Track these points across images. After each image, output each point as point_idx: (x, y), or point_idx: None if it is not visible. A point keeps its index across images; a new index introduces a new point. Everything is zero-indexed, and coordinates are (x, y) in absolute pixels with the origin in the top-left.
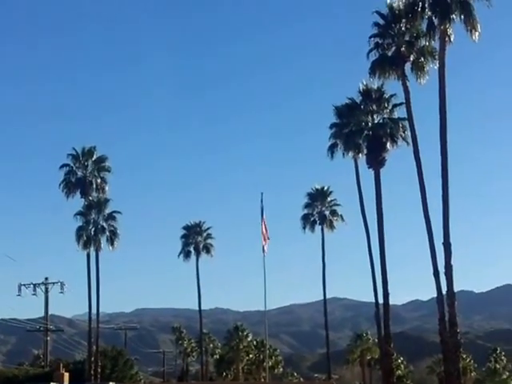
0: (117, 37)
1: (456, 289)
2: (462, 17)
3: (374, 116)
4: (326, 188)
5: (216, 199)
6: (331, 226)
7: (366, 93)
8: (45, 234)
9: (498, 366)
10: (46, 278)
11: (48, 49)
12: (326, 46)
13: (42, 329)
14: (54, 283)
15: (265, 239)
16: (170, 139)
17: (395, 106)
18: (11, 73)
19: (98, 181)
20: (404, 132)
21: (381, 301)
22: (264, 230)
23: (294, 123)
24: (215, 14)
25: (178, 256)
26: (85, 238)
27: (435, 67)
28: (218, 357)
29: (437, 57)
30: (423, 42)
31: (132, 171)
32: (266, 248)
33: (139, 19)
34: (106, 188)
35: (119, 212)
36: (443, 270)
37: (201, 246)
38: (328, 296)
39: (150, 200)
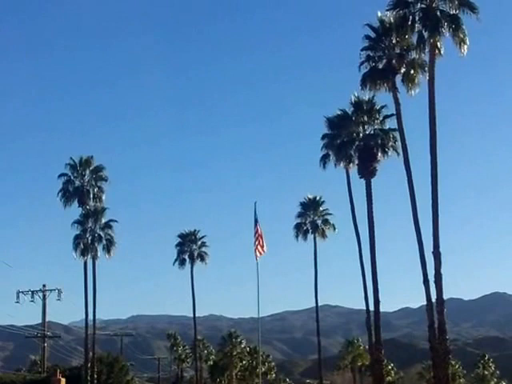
0: (114, 49)
1: (445, 296)
2: (452, 30)
3: (365, 127)
4: (318, 198)
5: (211, 208)
6: (323, 235)
7: (358, 104)
8: (43, 242)
9: (486, 372)
10: (44, 286)
11: (47, 61)
12: (317, 58)
13: (39, 335)
14: (51, 290)
15: (261, 247)
16: (165, 149)
17: (386, 117)
18: (11, 82)
19: (95, 190)
20: (394, 142)
21: (372, 308)
22: (260, 238)
23: (287, 134)
24: (211, 28)
25: (173, 264)
26: (82, 247)
27: (426, 79)
28: (211, 363)
29: (427, 69)
30: (413, 55)
31: (128, 180)
32: (258, 254)
33: (136, 32)
34: (103, 197)
35: (116, 221)
36: (433, 279)
37: (195, 254)
38: (320, 303)
39: (146, 209)
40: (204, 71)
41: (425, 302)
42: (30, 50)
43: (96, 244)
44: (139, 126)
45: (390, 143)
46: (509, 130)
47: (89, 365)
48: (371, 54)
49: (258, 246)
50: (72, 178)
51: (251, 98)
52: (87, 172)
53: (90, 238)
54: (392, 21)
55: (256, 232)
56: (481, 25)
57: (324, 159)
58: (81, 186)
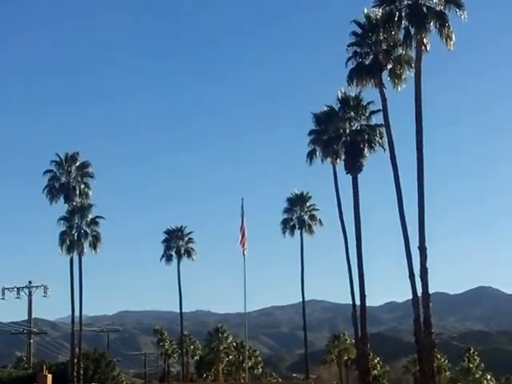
0: (96, 40)
1: (431, 291)
2: (438, 26)
3: (352, 123)
4: (304, 193)
5: (197, 203)
6: (310, 231)
7: (344, 100)
8: (28, 238)
9: (471, 365)
10: (30, 282)
11: (27, 50)
12: (305, 54)
13: (25, 332)
14: (37, 287)
15: (243, 243)
16: (151, 143)
17: (372, 112)
18: None
19: (82, 186)
20: (381, 138)
21: (358, 302)
22: (241, 234)
23: (274, 130)
24: (195, 17)
25: (160, 260)
26: (68, 243)
27: (412, 75)
28: (198, 358)
29: (413, 65)
30: (400, 51)
31: (114, 175)
32: (243, 250)
33: (117, 21)
34: (90, 193)
35: (102, 217)
36: (418, 273)
37: (182, 250)
38: (306, 298)
39: (133, 204)
40: (187, 60)
41: (410, 297)
42: (8, 37)
43: (82, 240)
44: (124, 119)
45: (377, 139)
46: (492, 123)
47: (75, 361)
48: (358, 50)
49: (243, 241)
50: (58, 174)
51: (239, 91)
52: (73, 168)
53: (76, 235)
54: (378, 17)
55: (241, 227)
56: (469, 18)
57: (311, 155)
58: (66, 182)
